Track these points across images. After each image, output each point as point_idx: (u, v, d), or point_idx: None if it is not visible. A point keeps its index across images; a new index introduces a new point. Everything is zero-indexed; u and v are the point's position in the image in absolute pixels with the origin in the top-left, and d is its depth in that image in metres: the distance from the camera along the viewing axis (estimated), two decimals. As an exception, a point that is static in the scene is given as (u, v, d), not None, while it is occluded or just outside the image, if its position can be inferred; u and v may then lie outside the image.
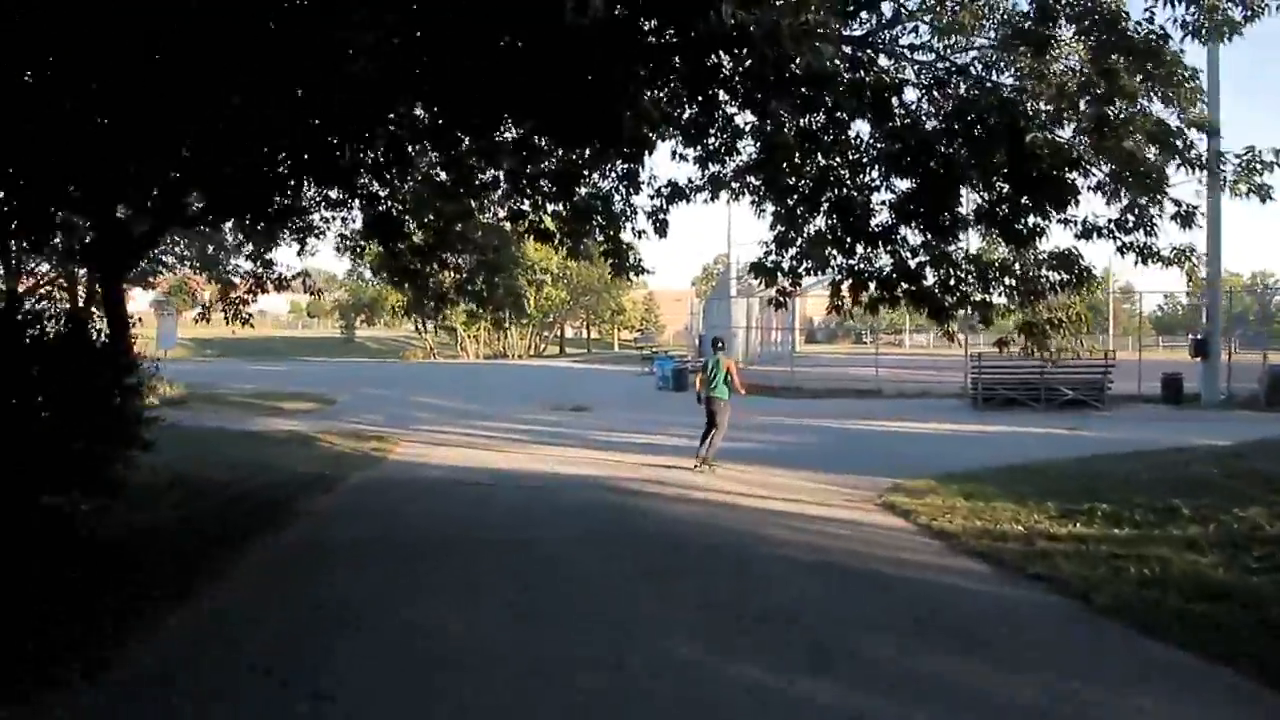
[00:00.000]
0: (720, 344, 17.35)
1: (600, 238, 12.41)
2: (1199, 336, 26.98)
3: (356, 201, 13.19)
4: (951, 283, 9.61)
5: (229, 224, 14.18)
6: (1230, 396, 26.74)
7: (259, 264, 15.36)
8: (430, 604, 7.22)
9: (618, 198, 11.63)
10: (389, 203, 13.29)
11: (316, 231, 14.74)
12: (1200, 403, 26.74)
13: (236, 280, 22.89)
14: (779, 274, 10.39)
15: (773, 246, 10.45)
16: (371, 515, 11.11)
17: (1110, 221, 8.60)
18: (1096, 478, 12.41)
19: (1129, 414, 25.36)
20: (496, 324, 67.97)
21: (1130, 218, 8.48)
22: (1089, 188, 8.69)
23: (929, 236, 9.44)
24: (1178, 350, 51.37)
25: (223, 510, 10.47)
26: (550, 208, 12.26)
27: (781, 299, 11.11)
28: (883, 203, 9.56)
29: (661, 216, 10.99)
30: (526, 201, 12.31)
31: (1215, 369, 26.97)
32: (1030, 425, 22.75)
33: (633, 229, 12.10)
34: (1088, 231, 8.62)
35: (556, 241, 12.75)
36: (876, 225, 9.57)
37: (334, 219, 14.65)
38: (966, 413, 26.38)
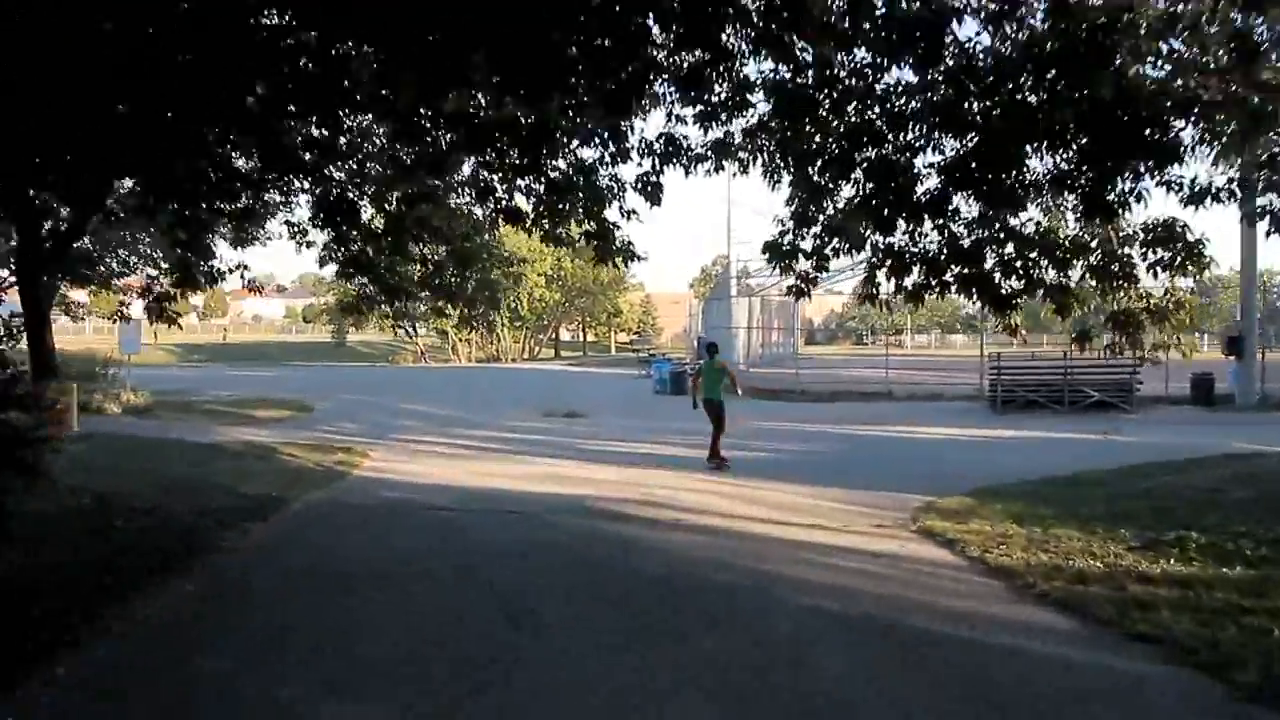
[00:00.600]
0: (715, 348, 17.60)
1: (583, 217, 10.53)
2: (1234, 334, 25.08)
3: (304, 180, 11.38)
4: (1017, 264, 7.68)
5: (161, 213, 12.22)
6: (1265, 398, 24.96)
7: (190, 255, 13.40)
8: (344, 698, 5.40)
9: (602, 170, 9.73)
10: (341, 184, 11.52)
11: (258, 219, 12.92)
12: (1235, 404, 24.95)
13: (155, 274, 21.38)
14: (799, 256, 8.55)
15: (790, 225, 8.63)
16: (305, 550, 9.25)
17: (1229, 182, 6.65)
18: (1167, 495, 10.60)
19: (1160, 417, 23.59)
20: (463, 323, 66.22)
21: (1263, 176, 6.51)
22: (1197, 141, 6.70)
23: (987, 207, 7.54)
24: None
25: (130, 544, 8.62)
26: (521, 183, 10.36)
27: (804, 287, 9.21)
28: (930, 166, 7.65)
29: (654, 180, 9.03)
30: (495, 175, 10.45)
31: (1250, 368, 25.18)
32: (1057, 429, 20.98)
33: (621, 209, 10.26)
34: (1198, 195, 6.68)
35: (530, 223, 10.89)
36: (922, 194, 7.65)
37: (280, 203, 12.84)
38: (985, 416, 24.57)
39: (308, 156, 10.67)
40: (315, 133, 10.29)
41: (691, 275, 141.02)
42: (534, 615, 6.79)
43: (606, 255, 10.77)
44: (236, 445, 17.68)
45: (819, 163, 7.90)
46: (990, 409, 25.55)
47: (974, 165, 7.22)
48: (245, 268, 15.65)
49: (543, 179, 9.90)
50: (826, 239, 8.32)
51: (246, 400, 29.18)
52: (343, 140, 10.78)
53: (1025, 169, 7.34)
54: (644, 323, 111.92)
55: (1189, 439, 17.57)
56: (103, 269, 24.90)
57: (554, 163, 9.68)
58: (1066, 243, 7.73)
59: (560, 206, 10.28)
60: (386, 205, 12.08)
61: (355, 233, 11.87)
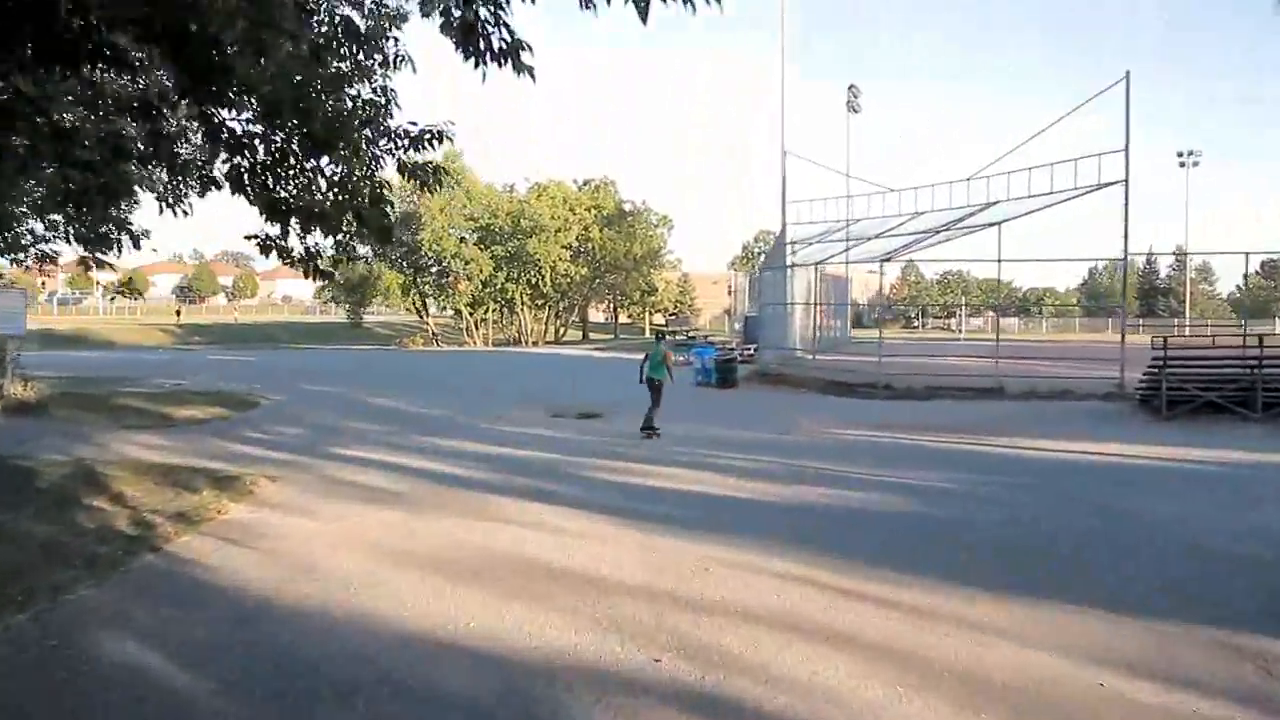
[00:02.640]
0: (662, 336, 20.32)
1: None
2: None
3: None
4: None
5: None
6: None
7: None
8: None
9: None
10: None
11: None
12: None
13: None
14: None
15: None
16: None
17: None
18: None
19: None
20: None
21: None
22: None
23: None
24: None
25: None
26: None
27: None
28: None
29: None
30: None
31: None
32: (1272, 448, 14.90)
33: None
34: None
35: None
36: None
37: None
38: (1148, 423, 18.37)
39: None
40: None
41: (732, 254, 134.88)
42: None
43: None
44: (66, 469, 11.93)
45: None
46: (1144, 412, 19.36)
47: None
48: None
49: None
50: None
51: (185, 393, 23.68)
52: None
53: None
54: (681, 302, 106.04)
55: None
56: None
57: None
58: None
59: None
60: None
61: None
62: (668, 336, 18.93)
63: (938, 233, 25.96)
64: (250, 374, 31.92)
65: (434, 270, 62.54)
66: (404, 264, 61.72)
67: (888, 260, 24.89)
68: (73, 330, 77.80)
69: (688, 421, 19.10)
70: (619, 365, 38.19)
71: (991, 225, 24.32)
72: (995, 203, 23.64)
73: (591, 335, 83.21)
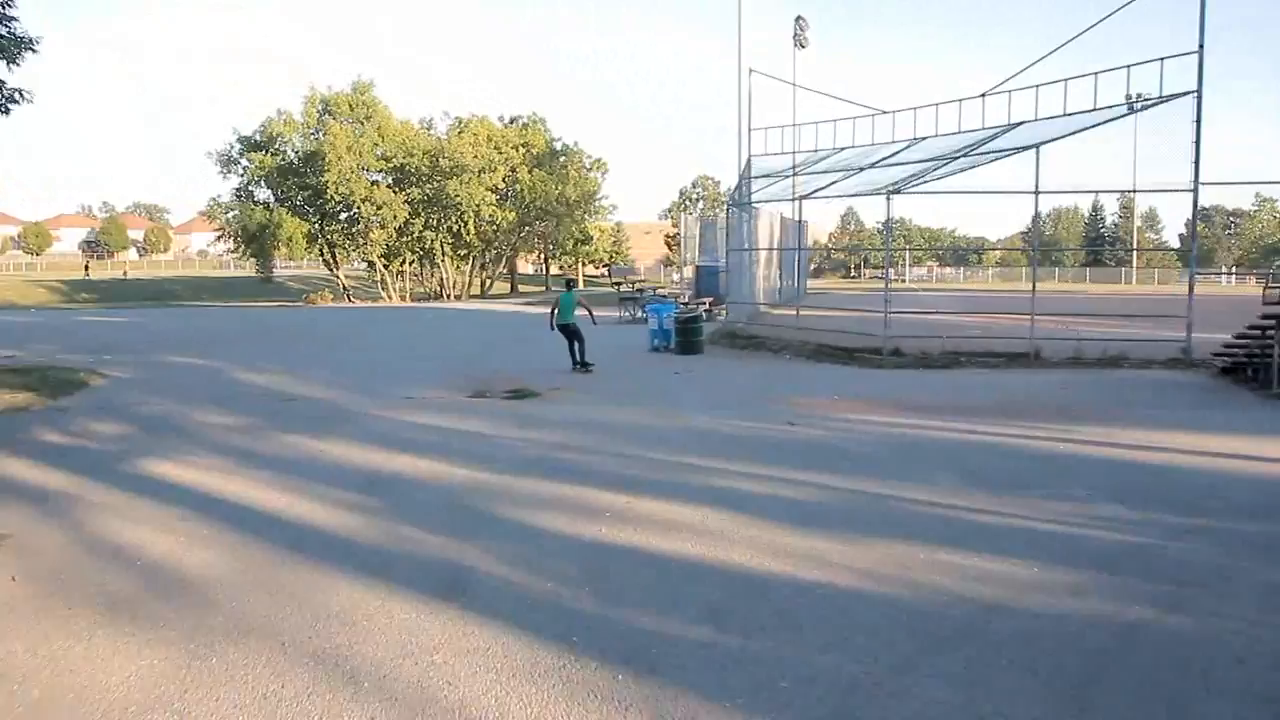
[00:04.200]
0: (572, 283, 22.01)
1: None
2: None
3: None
4: None
5: None
6: None
7: None
8: None
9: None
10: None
11: None
12: None
13: None
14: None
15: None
16: None
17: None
18: None
19: None
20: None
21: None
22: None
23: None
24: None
25: None
26: None
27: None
28: None
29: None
30: None
31: None
32: None
33: None
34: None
35: None
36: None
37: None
38: (1258, 403, 14.32)
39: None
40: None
41: (665, 203, 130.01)
42: None
43: None
44: None
45: None
46: (1237, 386, 15.42)
47: None
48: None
49: None
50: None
51: (2, 370, 18.53)
52: None
53: None
54: (616, 253, 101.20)
55: None
56: None
57: None
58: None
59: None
60: None
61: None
62: (574, 285, 21.20)
63: (952, 159, 21.58)
64: (113, 340, 26.85)
65: (343, 217, 56.66)
66: (307, 209, 55.73)
67: (896, 192, 20.44)
68: None
69: (658, 404, 14.59)
70: None
71: (1025, 149, 19.98)
72: (1020, 123, 19.29)
73: (521, 288, 78.05)
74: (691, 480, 9.27)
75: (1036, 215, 21.94)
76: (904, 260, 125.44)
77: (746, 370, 18.66)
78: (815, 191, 22.00)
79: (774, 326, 23.12)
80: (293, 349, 24.74)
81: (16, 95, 17.85)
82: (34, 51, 17.76)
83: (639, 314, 31.22)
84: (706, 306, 25.93)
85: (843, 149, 23.98)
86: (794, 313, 25.23)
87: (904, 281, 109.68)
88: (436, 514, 8.11)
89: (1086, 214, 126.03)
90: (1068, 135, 19.00)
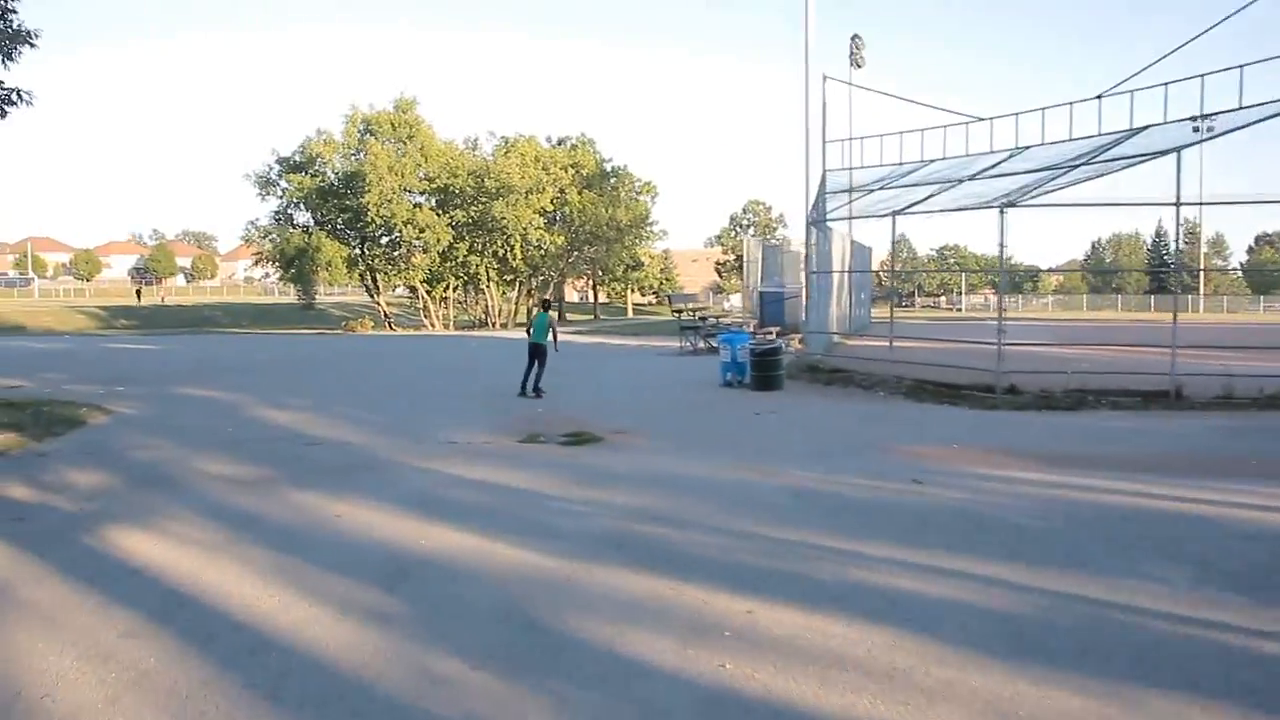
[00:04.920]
0: (549, 304, 22.47)
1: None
2: None
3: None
4: None
5: None
6: None
7: None
8: None
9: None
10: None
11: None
12: None
13: None
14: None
15: None
16: None
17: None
18: None
19: None
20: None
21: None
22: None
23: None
24: None
25: None
26: None
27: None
28: None
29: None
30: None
31: None
32: None
33: None
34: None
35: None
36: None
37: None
38: None
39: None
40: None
41: (707, 231, 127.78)
42: None
43: None
44: None
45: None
46: None
47: None
48: None
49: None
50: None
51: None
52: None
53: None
54: (666, 280, 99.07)
55: None
56: None
57: None
58: None
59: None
60: None
61: None
62: (551, 306, 21.73)
63: (1069, 168, 19.08)
64: (133, 369, 25.11)
65: (384, 241, 54.79)
66: (348, 232, 53.98)
67: (1011, 205, 18.08)
68: (-22, 314, 70.88)
69: (745, 453, 12.25)
70: (610, 354, 31.25)
71: (1163, 154, 17.45)
72: (1146, 127, 16.78)
73: (568, 316, 76.06)
74: (825, 571, 6.94)
75: (1178, 229, 19.38)
76: (959, 287, 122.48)
77: (839, 411, 16.27)
78: (910, 206, 19.63)
79: (861, 359, 20.71)
80: (324, 380, 22.72)
81: (14, 95, 15.97)
82: (32, 46, 15.94)
83: (700, 344, 28.98)
84: (772, 336, 23.58)
85: (931, 161, 21.58)
86: (881, 343, 22.83)
87: (959, 310, 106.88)
88: (484, 631, 5.83)
89: (1148, 240, 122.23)
90: (1214, 137, 16.45)
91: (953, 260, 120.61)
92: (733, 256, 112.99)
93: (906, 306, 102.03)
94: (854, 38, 51.03)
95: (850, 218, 20.29)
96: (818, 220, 21.52)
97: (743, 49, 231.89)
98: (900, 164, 22.34)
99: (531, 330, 19.39)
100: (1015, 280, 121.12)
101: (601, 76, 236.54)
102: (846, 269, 29.86)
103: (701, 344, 28.90)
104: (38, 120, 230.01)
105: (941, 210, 19.03)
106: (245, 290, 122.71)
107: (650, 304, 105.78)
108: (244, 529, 8.38)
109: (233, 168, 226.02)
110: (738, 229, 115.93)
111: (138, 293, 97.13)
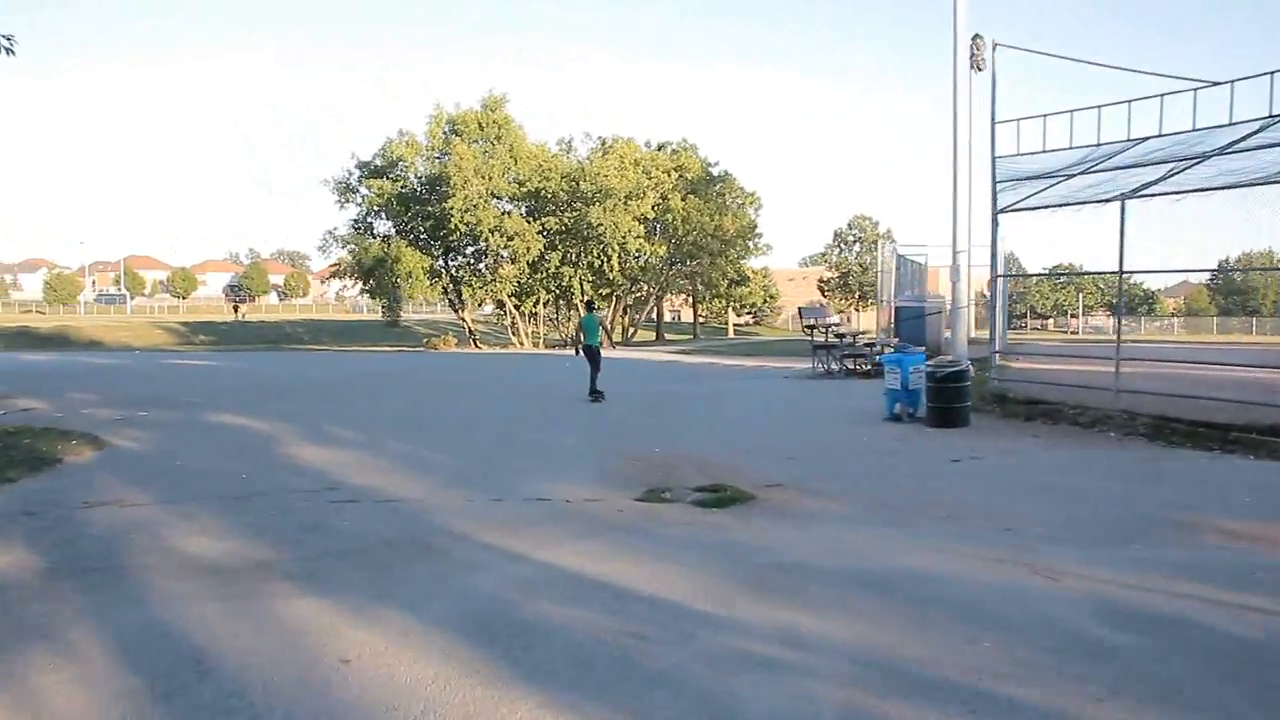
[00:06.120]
0: (593, 305, 23.90)
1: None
2: None
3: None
4: None
5: None
6: None
7: None
8: None
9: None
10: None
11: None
12: None
13: None
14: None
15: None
16: None
17: None
18: None
19: None
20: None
21: None
22: None
23: None
24: None
25: None
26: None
27: None
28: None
29: None
30: None
31: None
32: None
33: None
34: None
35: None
36: None
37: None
38: None
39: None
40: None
41: (802, 251, 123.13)
42: None
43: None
44: None
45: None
46: None
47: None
48: None
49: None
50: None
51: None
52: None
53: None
54: (769, 297, 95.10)
55: None
56: None
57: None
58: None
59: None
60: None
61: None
62: (595, 307, 23.22)
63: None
64: (173, 390, 22.21)
65: (469, 251, 51.39)
66: (430, 241, 50.70)
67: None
68: (57, 330, 70.34)
69: (969, 526, 8.28)
70: (725, 376, 26.93)
71: None
72: None
73: (666, 336, 72.33)
74: None
75: None
76: (1075, 308, 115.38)
77: (1070, 461, 12.06)
78: (1143, 189, 15.31)
79: (1057, 386, 16.38)
80: (390, 406, 19.28)
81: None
82: (10, 53, 13.40)
83: (835, 366, 24.91)
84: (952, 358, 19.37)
85: (1145, 138, 17.39)
86: (1063, 367, 18.45)
87: (1073, 333, 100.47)
88: None
89: None
90: None
91: (1063, 279, 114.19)
92: (837, 274, 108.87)
93: (1018, 328, 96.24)
94: (975, 38, 46.57)
95: (1056, 204, 16.04)
96: (1004, 210, 17.32)
97: (839, 68, 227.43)
98: (1099, 144, 18.29)
99: (584, 335, 20.35)
100: (1133, 302, 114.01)
101: (689, 93, 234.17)
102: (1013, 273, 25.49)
103: (835, 366, 24.82)
104: (140, 138, 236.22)
105: (1196, 190, 14.75)
106: (334, 308, 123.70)
107: (748, 324, 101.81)
108: (175, 692, 4.70)
109: (324, 187, 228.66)
110: (842, 245, 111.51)
111: (235, 308, 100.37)
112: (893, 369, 15.57)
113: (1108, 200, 15.12)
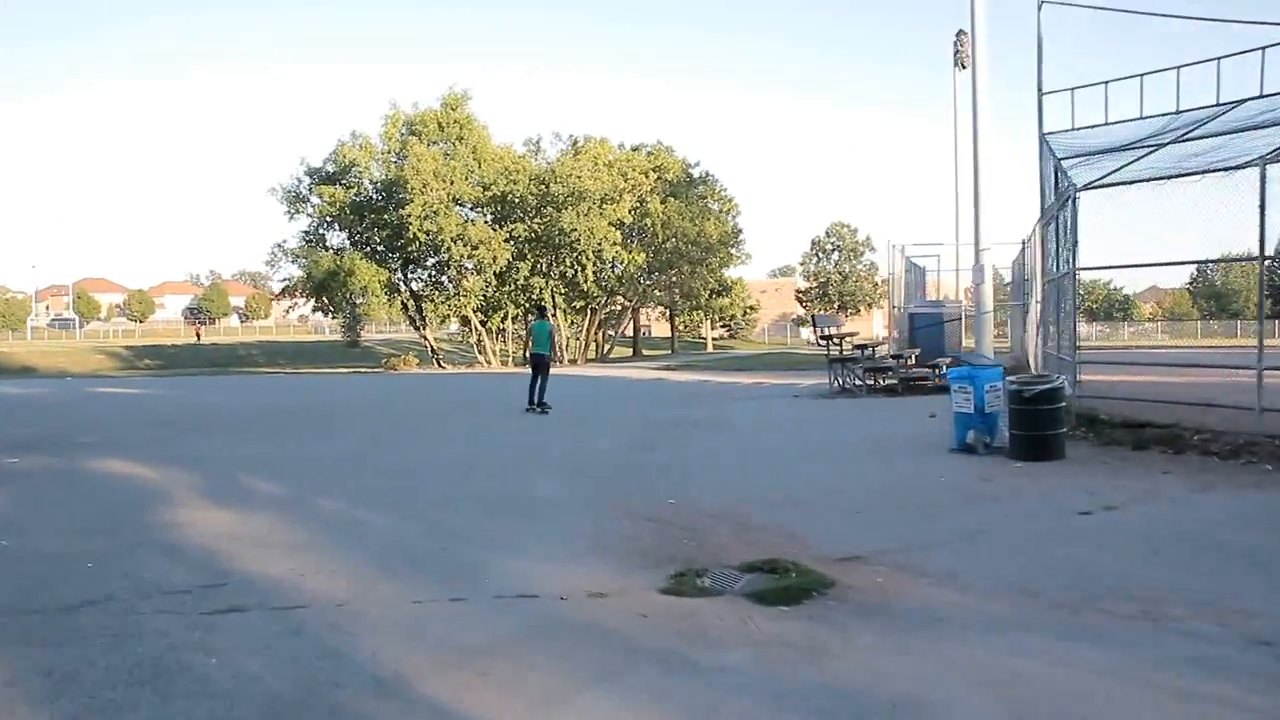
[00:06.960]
0: (544, 310, 22.67)
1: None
2: None
3: None
4: None
5: None
6: None
7: None
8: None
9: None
10: None
11: None
12: None
13: None
14: None
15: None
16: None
17: None
18: None
19: None
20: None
21: None
22: None
23: None
24: None
25: None
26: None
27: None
28: None
29: None
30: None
31: None
32: None
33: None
34: None
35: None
36: None
37: None
38: None
39: None
40: None
41: (774, 263, 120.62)
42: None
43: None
44: None
45: None
46: None
47: None
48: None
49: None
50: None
51: None
52: None
53: None
54: (750, 309, 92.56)
55: None
56: None
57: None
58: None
59: None
60: None
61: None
62: (546, 311, 21.91)
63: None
64: (74, 424, 19.01)
65: (429, 262, 47.80)
66: (387, 254, 47.14)
67: None
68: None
69: (1165, 633, 5.06)
70: (728, 396, 23.42)
71: None
72: None
73: (643, 350, 69.27)
74: None
75: None
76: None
77: (1233, 507, 9.02)
78: (1255, 161, 12.36)
79: (1180, 405, 13.27)
80: (329, 441, 16.03)
81: None
82: None
83: (854, 382, 21.89)
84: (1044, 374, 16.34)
85: (1244, 100, 14.57)
86: (1129, 378, 15.47)
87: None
88: None
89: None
90: None
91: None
92: (816, 284, 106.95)
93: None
94: (959, 34, 44.25)
95: (1159, 177, 13.06)
96: (1089, 187, 14.28)
97: (798, 83, 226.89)
98: (1178, 111, 15.64)
99: (532, 341, 19.71)
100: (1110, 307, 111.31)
101: (660, 101, 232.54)
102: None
103: (856, 381, 21.79)
104: (95, 159, 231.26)
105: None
106: (295, 330, 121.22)
107: (722, 338, 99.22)
108: None
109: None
110: (820, 254, 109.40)
111: (196, 332, 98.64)
112: (963, 387, 12.42)
113: (1238, 167, 12.09)
